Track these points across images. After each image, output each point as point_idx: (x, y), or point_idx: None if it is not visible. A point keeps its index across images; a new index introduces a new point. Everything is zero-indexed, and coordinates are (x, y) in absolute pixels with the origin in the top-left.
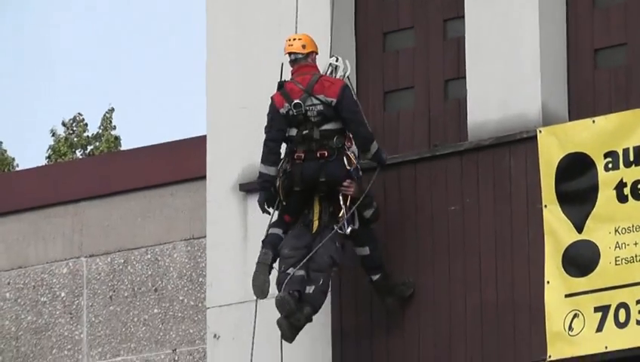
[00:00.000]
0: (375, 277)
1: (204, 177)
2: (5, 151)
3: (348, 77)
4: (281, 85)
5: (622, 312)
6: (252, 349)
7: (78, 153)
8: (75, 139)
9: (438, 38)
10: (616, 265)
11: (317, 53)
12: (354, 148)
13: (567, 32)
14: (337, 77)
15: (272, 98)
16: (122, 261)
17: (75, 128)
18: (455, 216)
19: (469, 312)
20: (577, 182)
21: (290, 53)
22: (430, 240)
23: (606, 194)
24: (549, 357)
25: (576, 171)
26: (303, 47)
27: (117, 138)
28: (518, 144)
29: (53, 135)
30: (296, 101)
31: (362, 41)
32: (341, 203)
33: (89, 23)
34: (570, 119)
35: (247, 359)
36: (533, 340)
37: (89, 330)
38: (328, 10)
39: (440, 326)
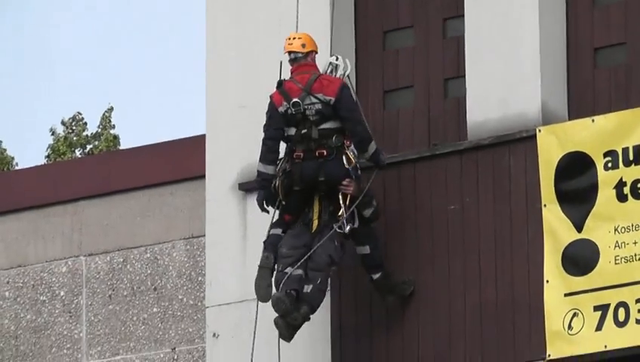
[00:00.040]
0: (376, 276)
1: (203, 176)
2: (5, 150)
3: (348, 76)
4: (280, 84)
5: (621, 311)
6: (253, 348)
7: (78, 152)
8: (75, 138)
9: (437, 37)
10: (615, 264)
11: (317, 53)
12: (353, 147)
13: (567, 30)
14: (337, 76)
15: (270, 97)
16: (121, 260)
17: (74, 127)
18: (455, 215)
19: (468, 311)
20: (577, 181)
21: (289, 52)
22: (430, 239)
23: (606, 194)
24: (549, 356)
25: (576, 170)
26: (303, 46)
27: (116, 137)
28: (518, 143)
29: (52, 134)
30: (294, 100)
31: (362, 40)
32: (340, 202)
33: (89, 22)
34: (570, 118)
35: (246, 358)
36: (533, 339)
37: (88, 329)
38: (328, 8)
39: (439, 325)
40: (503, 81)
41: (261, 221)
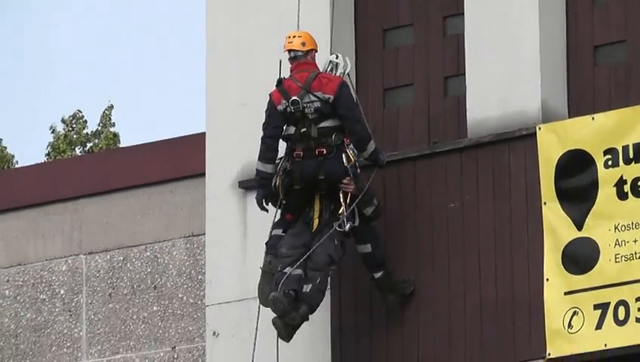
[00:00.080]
0: (377, 275)
1: (203, 174)
2: (5, 148)
3: (348, 74)
4: (280, 82)
5: (621, 310)
6: (254, 348)
7: (78, 150)
8: (75, 136)
9: (437, 35)
10: (615, 262)
11: (316, 51)
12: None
13: (567, 28)
14: (337, 74)
15: (270, 95)
16: (121, 258)
17: (74, 125)
18: (454, 214)
19: (468, 310)
20: (577, 179)
21: (289, 51)
22: (430, 238)
23: (606, 192)
24: (549, 354)
25: (576, 168)
26: (303, 44)
27: (116, 135)
28: (518, 141)
29: (52, 132)
30: (293, 98)
31: (362, 38)
32: (341, 200)
33: (89, 20)
34: (570, 116)
35: (246, 356)
36: (533, 338)
37: (88, 328)
38: (328, 7)
39: (439, 324)
40: (502, 79)
41: (261, 219)
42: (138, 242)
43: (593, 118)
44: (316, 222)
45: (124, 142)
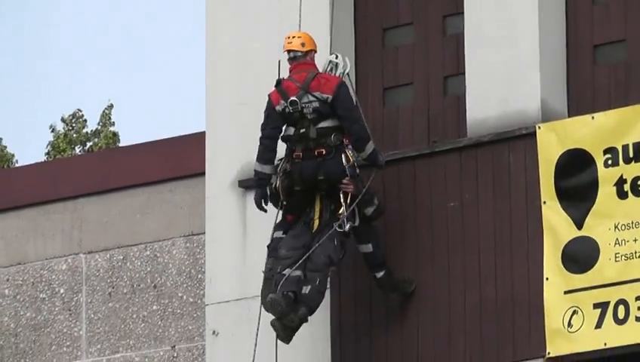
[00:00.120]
0: (379, 275)
1: (203, 173)
2: (5, 147)
3: (348, 74)
4: (279, 83)
5: (621, 309)
6: (255, 347)
7: (78, 149)
8: (75, 135)
9: (437, 34)
10: (615, 261)
11: (316, 52)
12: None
13: (567, 28)
14: (337, 74)
15: (269, 96)
16: (121, 257)
17: (74, 124)
18: (454, 213)
19: (468, 309)
20: (577, 178)
21: (288, 51)
22: (429, 237)
23: (606, 191)
24: (548, 353)
25: (576, 167)
26: (302, 45)
27: (115, 134)
28: (518, 140)
29: (52, 131)
30: (292, 98)
31: (362, 37)
32: (341, 200)
33: (89, 19)
34: (570, 115)
35: (245, 355)
36: (533, 337)
37: (88, 327)
38: (328, 6)
39: (439, 323)
40: (502, 79)
41: (261, 218)
42: (138, 241)
43: (593, 118)
44: (316, 222)
45: (123, 142)
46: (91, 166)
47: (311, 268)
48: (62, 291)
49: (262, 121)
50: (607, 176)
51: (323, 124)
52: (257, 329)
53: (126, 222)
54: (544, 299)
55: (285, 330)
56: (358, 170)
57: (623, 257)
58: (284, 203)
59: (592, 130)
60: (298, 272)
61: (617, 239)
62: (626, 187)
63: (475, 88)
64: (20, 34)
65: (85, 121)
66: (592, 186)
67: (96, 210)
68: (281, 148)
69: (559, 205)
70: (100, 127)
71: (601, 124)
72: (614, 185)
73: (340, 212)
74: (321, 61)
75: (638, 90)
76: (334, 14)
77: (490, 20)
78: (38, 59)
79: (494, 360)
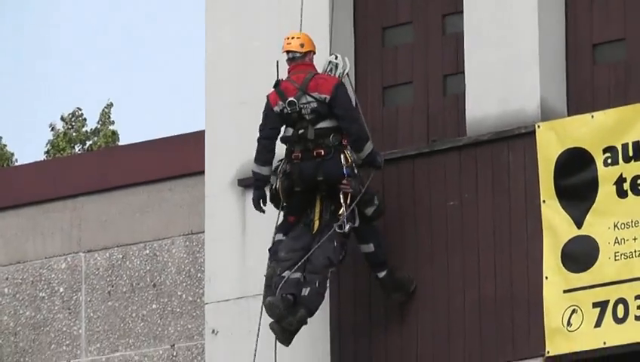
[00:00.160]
0: (381, 274)
1: (202, 172)
2: (4, 146)
3: (347, 74)
4: (277, 84)
5: (620, 308)
6: (256, 347)
7: (77, 148)
8: (74, 134)
9: (437, 33)
10: (615, 260)
11: (315, 53)
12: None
13: (566, 26)
14: (337, 74)
15: (267, 97)
16: (121, 256)
17: (73, 123)
18: (454, 212)
19: (467, 307)
20: (576, 177)
21: (287, 52)
22: (429, 236)
23: (605, 190)
24: (548, 352)
25: (575, 166)
26: (301, 45)
27: (115, 133)
28: (517, 139)
29: (52, 130)
30: (290, 99)
31: (361, 36)
32: (341, 201)
33: (89, 18)
34: (569, 114)
35: (245, 354)
36: (532, 335)
37: (87, 326)
38: (328, 5)
39: (438, 322)
40: (502, 78)
41: (261, 217)
42: (137, 240)
43: (592, 116)
44: (317, 223)
45: (123, 140)
46: (91, 165)
47: (310, 270)
48: (61, 290)
49: (260, 122)
50: (606, 175)
51: (321, 125)
52: (258, 328)
53: (125, 221)
54: (543, 298)
55: (284, 333)
56: (356, 170)
57: (623, 256)
58: (285, 204)
59: (591, 129)
60: (297, 274)
61: (617, 238)
62: (626, 186)
63: (475, 87)
64: (19, 34)
65: (85, 119)
66: (592, 185)
67: (95, 208)
68: (282, 149)
69: (559, 204)
70: (99, 126)
71: (601, 123)
72: (614, 184)
73: (340, 213)
74: (320, 60)
75: (638, 89)
76: (334, 13)
77: (490, 19)
78: (38, 59)
79: (493, 358)
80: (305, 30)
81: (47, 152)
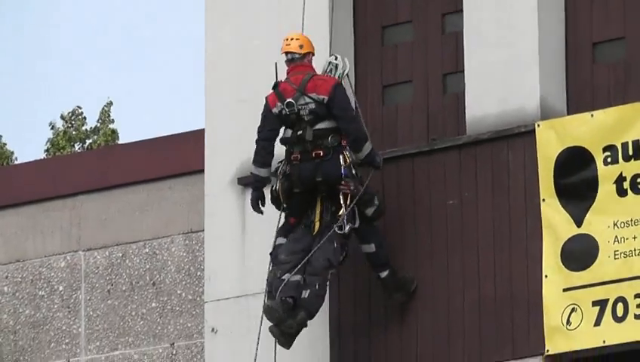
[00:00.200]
0: (383, 275)
1: (202, 171)
2: (4, 144)
3: (347, 75)
4: (276, 85)
5: (620, 306)
6: (257, 347)
7: (77, 147)
8: (74, 132)
9: (436, 32)
10: (614, 259)
11: (314, 55)
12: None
13: (566, 25)
14: (337, 75)
15: (266, 98)
16: (120, 255)
17: (73, 122)
18: (453, 210)
19: (467, 306)
20: (576, 176)
21: (286, 53)
22: (428, 235)
23: (605, 189)
24: (547, 351)
25: (575, 165)
26: (300, 47)
27: (114, 131)
28: (517, 138)
29: (52, 128)
30: (288, 100)
31: (361, 35)
32: (341, 201)
33: (89, 17)
34: (569, 113)
35: (244, 353)
36: (532, 334)
37: (87, 324)
38: (327, 4)
39: (438, 321)
40: (501, 76)
41: (260, 216)
42: (137, 238)
43: (592, 115)
44: (317, 224)
45: (122, 139)
46: (90, 163)
47: (310, 272)
48: (61, 288)
49: (259, 124)
50: (606, 174)
51: (320, 126)
52: (260, 328)
53: (125, 220)
54: (543, 297)
55: (284, 336)
56: (354, 171)
57: (622, 255)
58: (285, 205)
59: (591, 128)
60: (297, 277)
61: (617, 237)
62: (626, 185)
63: (475, 86)
64: (19, 34)
65: (85, 118)
66: (592, 184)
67: (95, 207)
68: (282, 150)
69: (558, 203)
70: (99, 125)
71: (601, 121)
72: (614, 182)
73: (340, 213)
74: (320, 59)
75: (638, 88)
76: (334, 12)
77: (490, 18)
78: (38, 59)
79: (493, 357)
80: (305, 29)
81: (46, 151)
